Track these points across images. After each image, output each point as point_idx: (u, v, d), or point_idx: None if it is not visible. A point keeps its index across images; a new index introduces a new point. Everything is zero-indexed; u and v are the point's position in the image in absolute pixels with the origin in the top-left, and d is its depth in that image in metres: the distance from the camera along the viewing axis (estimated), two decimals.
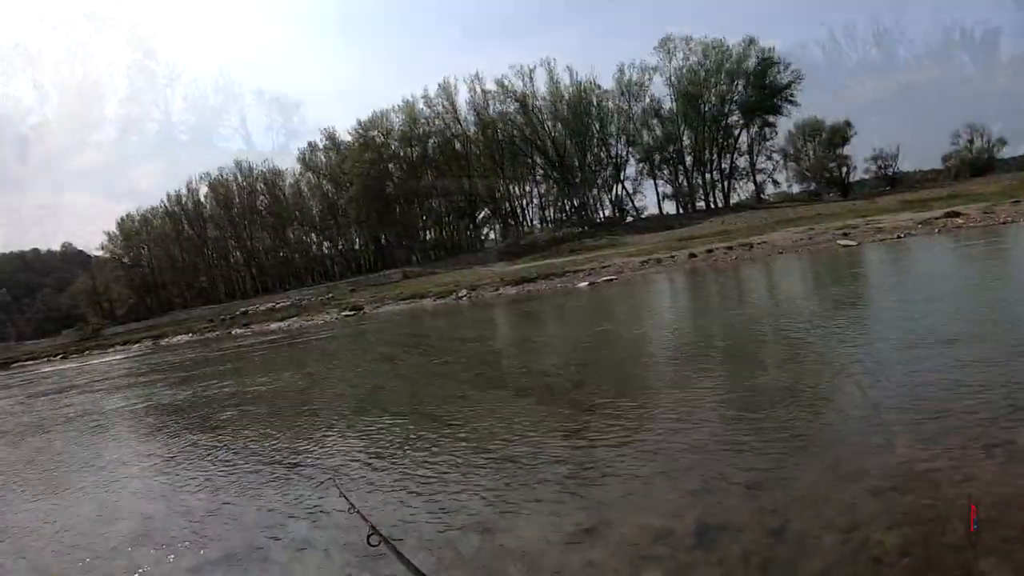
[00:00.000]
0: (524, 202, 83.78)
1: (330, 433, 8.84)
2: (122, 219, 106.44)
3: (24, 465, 10.49)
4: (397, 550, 3.15)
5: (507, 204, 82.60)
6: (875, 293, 14.67)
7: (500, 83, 76.28)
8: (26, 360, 66.85)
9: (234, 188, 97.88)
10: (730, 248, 35.72)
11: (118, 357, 45.63)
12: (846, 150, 77.16)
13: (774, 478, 4.71)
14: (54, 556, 5.83)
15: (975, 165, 68.61)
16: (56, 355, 64.41)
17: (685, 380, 8.48)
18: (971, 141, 73.07)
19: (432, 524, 4.93)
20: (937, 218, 31.55)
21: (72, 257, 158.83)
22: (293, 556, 4.93)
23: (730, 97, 74.47)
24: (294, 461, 7.67)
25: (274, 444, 8.80)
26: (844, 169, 77.22)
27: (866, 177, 77.80)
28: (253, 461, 8.02)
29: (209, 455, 8.84)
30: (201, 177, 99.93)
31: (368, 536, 3.33)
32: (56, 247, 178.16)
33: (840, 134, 77.22)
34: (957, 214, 31.31)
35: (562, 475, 5.52)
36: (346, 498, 4.36)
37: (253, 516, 5.95)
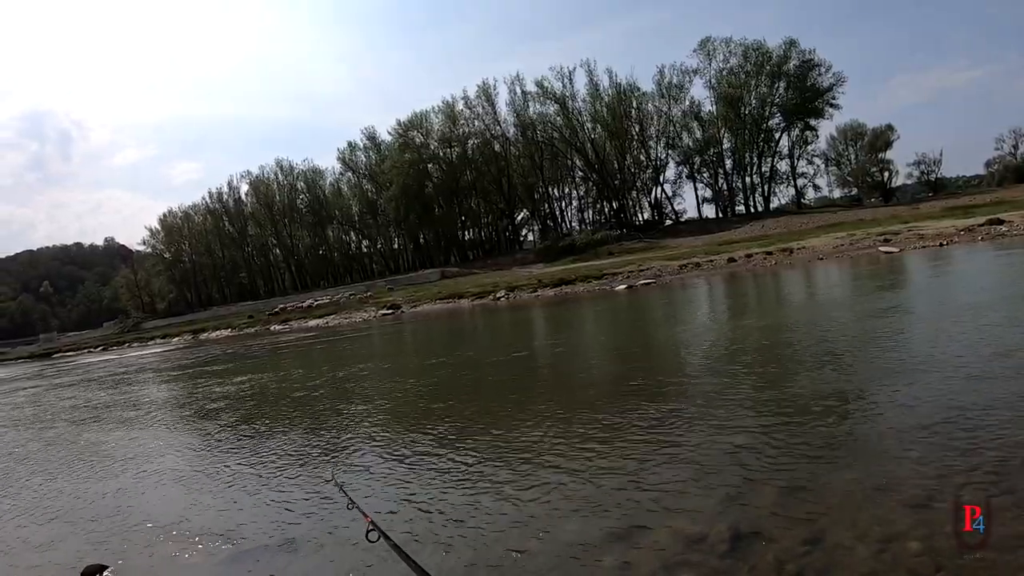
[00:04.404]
0: (563, 204, 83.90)
1: (355, 431, 9.05)
2: (163, 215, 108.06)
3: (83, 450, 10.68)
4: (396, 545, 3.19)
5: (546, 206, 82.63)
6: (919, 303, 14.45)
7: (540, 84, 76.43)
8: (68, 351, 68.26)
9: (275, 186, 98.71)
10: (769, 253, 35.63)
11: (157, 350, 46.61)
12: (888, 155, 76.27)
13: (808, 487, 4.75)
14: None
15: (1020, 171, 67.43)
16: (97, 347, 65.66)
17: (720, 386, 8.47)
18: (1015, 146, 72.00)
19: (461, 524, 5.03)
20: (980, 225, 31.17)
21: (114, 251, 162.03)
22: (293, 551, 5.12)
23: (771, 100, 73.70)
24: (310, 457, 8.00)
25: (302, 439, 9.09)
26: (886, 174, 76.30)
27: (908, 182, 76.82)
28: (280, 456, 8.28)
29: (236, 448, 9.22)
30: (242, 175, 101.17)
31: (367, 532, 3.38)
32: (99, 241, 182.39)
33: (883, 138, 76.29)
34: (1000, 221, 30.97)
35: (594, 478, 5.58)
36: (345, 493, 4.36)
37: (258, 509, 6.23)
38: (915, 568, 3.54)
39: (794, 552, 3.87)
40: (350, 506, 4.12)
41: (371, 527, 3.39)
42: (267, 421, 11.09)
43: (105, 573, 5.09)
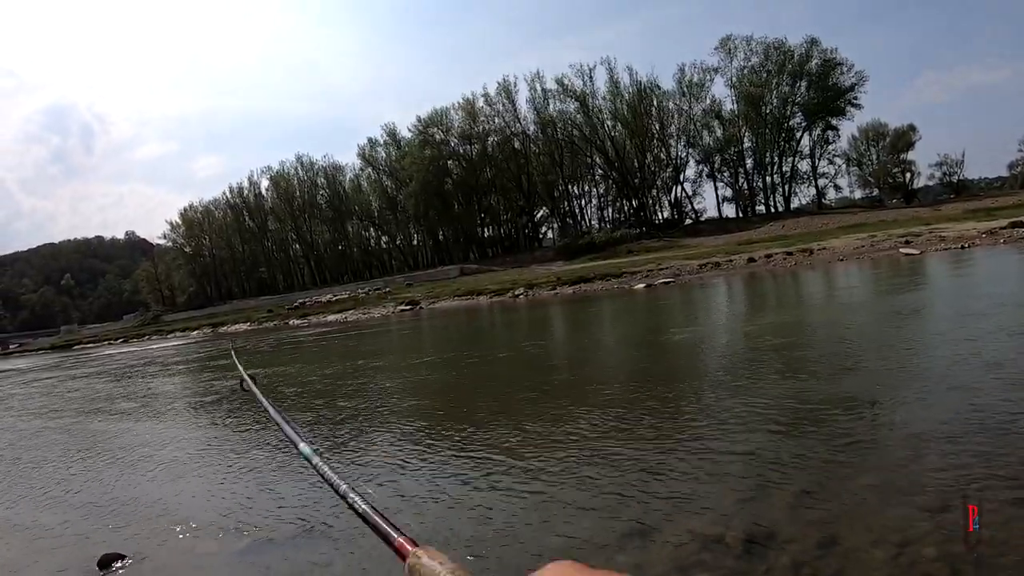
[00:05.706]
0: (583, 202, 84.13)
1: (363, 425, 8.96)
2: (184, 209, 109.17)
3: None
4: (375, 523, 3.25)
5: (565, 203, 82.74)
6: (938, 306, 14.31)
7: (560, 82, 76.72)
8: (88, 343, 69.13)
9: (295, 182, 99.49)
10: (789, 254, 35.50)
11: (177, 343, 47.36)
12: (910, 155, 75.74)
13: (825, 489, 4.70)
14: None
15: None
16: (117, 339, 66.49)
17: (734, 387, 8.38)
18: None
19: (471, 524, 4.97)
20: (1002, 228, 30.94)
21: (135, 245, 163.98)
22: (309, 539, 5.12)
23: (792, 99, 73.50)
24: (324, 447, 7.87)
25: (315, 431, 8.96)
26: (908, 175, 75.77)
27: (930, 184, 76.28)
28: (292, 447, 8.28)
29: (250, 439, 9.21)
30: (263, 170, 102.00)
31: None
32: (120, 235, 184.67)
33: (904, 139, 75.80)
34: (1023, 224, 30.73)
35: (606, 476, 5.52)
36: (321, 473, 4.40)
37: (273, 500, 6.18)
38: (931, 573, 3.48)
39: (810, 555, 3.83)
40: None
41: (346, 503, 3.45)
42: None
43: (123, 562, 5.08)
